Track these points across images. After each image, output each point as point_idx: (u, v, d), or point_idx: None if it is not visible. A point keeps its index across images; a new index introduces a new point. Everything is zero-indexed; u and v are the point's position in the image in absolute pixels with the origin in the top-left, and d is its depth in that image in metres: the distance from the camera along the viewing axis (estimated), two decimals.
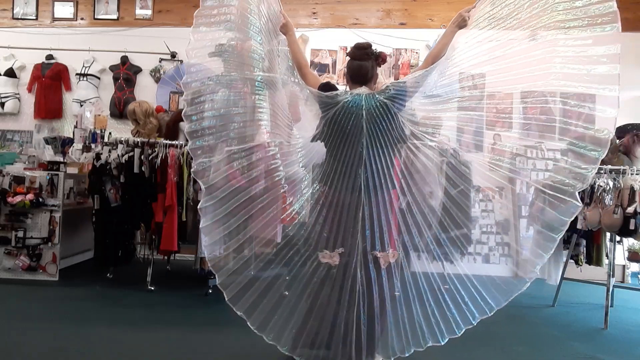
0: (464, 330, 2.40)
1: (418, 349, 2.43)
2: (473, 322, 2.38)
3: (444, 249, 2.45)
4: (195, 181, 4.24)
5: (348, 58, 2.55)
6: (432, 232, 2.44)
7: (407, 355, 2.44)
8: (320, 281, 2.40)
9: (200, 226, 2.44)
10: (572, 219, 2.26)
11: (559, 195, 2.28)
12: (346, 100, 2.40)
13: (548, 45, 2.35)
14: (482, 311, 2.37)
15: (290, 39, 2.65)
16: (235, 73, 2.58)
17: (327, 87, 2.51)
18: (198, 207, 2.44)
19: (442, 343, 2.42)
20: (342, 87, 2.66)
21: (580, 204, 2.26)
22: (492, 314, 2.36)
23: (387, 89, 2.40)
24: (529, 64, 2.48)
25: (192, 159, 4.20)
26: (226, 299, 2.41)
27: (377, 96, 2.40)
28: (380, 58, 2.53)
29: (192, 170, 2.46)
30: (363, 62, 2.49)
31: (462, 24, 2.48)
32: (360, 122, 2.38)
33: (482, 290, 2.39)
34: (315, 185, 2.52)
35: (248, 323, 2.43)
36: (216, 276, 2.43)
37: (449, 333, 2.40)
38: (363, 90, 2.45)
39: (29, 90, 6.21)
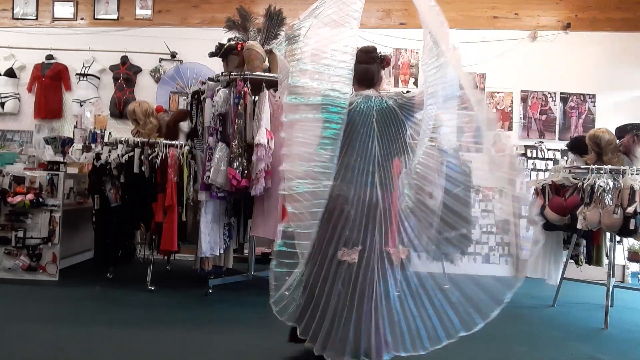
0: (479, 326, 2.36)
1: (435, 346, 2.39)
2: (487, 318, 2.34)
3: (444, 249, 2.46)
4: (195, 181, 4.24)
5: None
6: (433, 232, 2.44)
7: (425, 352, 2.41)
8: (342, 280, 2.40)
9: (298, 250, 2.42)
10: None
11: None
12: (358, 101, 2.48)
13: None
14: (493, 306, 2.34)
15: None
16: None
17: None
18: (292, 229, 2.40)
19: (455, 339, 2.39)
20: None
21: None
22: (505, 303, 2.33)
23: (398, 97, 2.51)
24: None
25: (192, 158, 4.25)
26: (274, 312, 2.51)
27: (387, 100, 2.49)
28: (384, 62, 2.62)
29: (282, 193, 2.40)
30: (369, 65, 2.55)
31: None
32: (372, 122, 2.45)
33: (486, 287, 2.38)
34: (330, 183, 2.45)
35: (297, 332, 2.47)
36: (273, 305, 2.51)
37: (465, 329, 2.37)
38: (372, 92, 2.54)
39: (29, 90, 6.20)
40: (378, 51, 2.62)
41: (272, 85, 4.00)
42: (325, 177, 2.34)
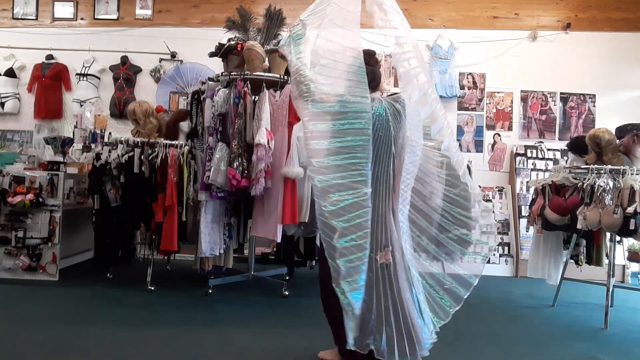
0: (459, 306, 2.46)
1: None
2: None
3: (443, 249, 2.45)
4: (195, 181, 4.24)
5: None
6: (433, 232, 2.45)
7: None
8: (384, 282, 2.38)
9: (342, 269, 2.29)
10: None
11: None
12: (374, 106, 2.45)
13: None
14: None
15: None
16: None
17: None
18: (338, 246, 2.26)
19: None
20: None
21: None
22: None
23: (400, 99, 2.50)
24: None
25: (192, 158, 4.25)
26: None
27: (394, 103, 2.48)
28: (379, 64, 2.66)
29: (325, 210, 2.25)
30: (375, 67, 2.56)
31: None
32: (389, 125, 2.44)
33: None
34: (369, 190, 2.40)
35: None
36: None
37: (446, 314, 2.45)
38: (378, 95, 2.53)
39: (29, 90, 6.20)
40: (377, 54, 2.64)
41: (272, 85, 4.00)
42: (363, 184, 2.29)
